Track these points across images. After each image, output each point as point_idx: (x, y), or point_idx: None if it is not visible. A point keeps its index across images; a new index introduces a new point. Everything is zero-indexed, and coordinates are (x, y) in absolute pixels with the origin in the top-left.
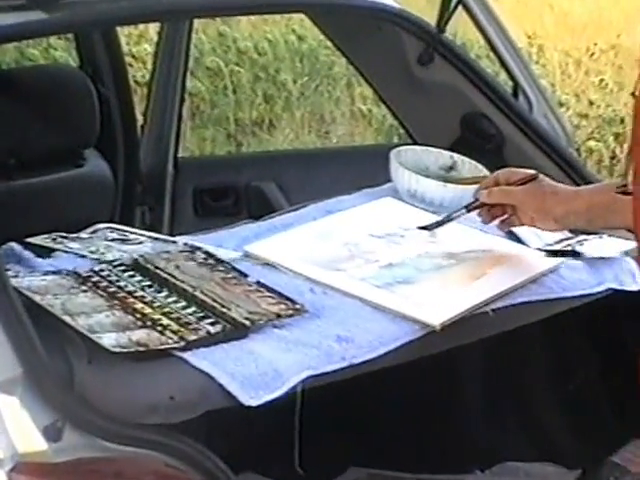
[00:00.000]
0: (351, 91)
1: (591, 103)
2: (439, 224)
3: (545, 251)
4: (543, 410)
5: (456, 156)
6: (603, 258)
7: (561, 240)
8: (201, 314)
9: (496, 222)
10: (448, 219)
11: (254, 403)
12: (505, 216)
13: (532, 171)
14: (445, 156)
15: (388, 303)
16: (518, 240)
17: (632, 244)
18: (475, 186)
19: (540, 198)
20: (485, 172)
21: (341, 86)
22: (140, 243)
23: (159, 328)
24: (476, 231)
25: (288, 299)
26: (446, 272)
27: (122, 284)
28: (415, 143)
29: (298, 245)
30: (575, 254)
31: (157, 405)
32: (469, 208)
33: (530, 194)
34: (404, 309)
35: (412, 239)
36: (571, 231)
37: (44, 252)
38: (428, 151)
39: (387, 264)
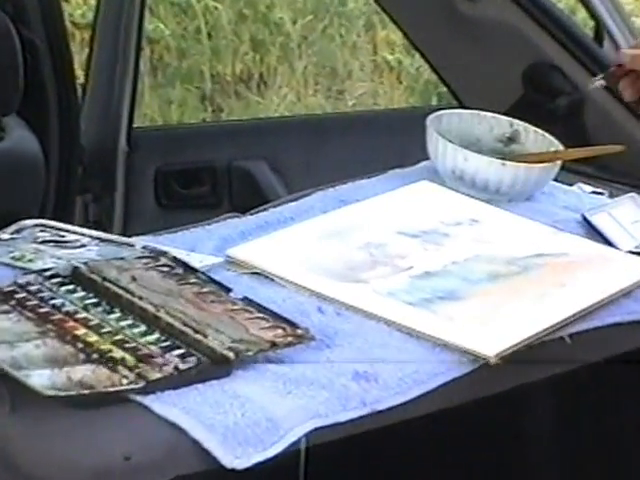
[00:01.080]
0: (372, 35)
1: None
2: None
3: None
4: None
5: (518, 123)
6: None
7: None
8: (167, 343)
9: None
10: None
11: (241, 465)
12: None
13: None
14: (503, 123)
15: (425, 327)
16: (604, 239)
17: None
18: (544, 165)
19: None
20: (557, 145)
21: (358, 27)
22: (82, 246)
23: (110, 363)
24: (545, 227)
25: (287, 322)
26: (505, 284)
27: (58, 302)
28: (462, 106)
29: (300, 248)
30: None
31: (108, 469)
32: (607, 75)
33: None
34: (447, 335)
35: (458, 238)
36: None
37: None
38: (479, 117)
39: (423, 273)
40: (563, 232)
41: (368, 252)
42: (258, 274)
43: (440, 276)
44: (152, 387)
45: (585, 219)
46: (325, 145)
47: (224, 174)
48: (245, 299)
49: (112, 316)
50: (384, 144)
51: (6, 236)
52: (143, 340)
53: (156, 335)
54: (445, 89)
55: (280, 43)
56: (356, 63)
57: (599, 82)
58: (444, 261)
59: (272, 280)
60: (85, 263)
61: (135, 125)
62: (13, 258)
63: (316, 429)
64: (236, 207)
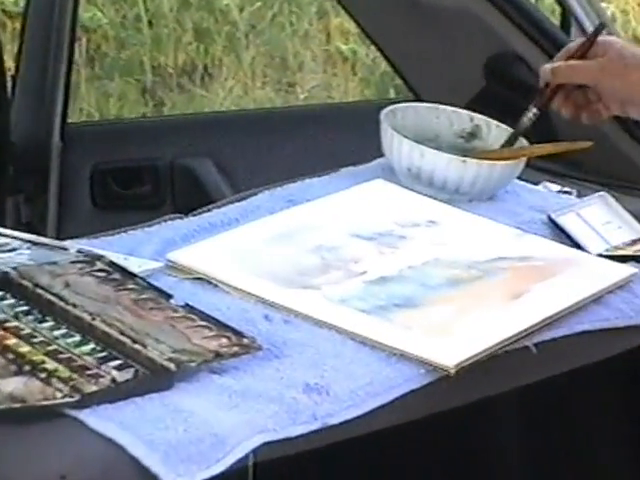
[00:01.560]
0: (325, 23)
1: None
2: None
3: (611, 257)
4: None
5: (479, 118)
6: None
7: (635, 241)
8: (104, 354)
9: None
10: (512, 138)
11: None
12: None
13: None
14: (463, 118)
15: (380, 336)
16: (572, 241)
17: None
18: (507, 163)
19: (621, 69)
20: (521, 141)
21: (310, 15)
22: (13, 250)
23: (42, 375)
24: (509, 229)
25: (232, 330)
26: (466, 289)
27: None
28: (419, 99)
29: (246, 251)
30: None
31: None
32: (539, 96)
33: (607, 69)
34: (404, 345)
35: (415, 241)
36: None
37: None
38: (438, 110)
39: (378, 278)
40: (528, 234)
41: (319, 256)
42: (201, 279)
43: (396, 281)
44: (87, 401)
45: (551, 220)
46: (274, 142)
47: (166, 173)
48: (187, 306)
49: (45, 325)
50: (338, 140)
51: None
52: (78, 351)
53: (92, 345)
54: (402, 81)
55: (226, 32)
56: (308, 53)
57: (532, 112)
58: (400, 265)
59: (216, 286)
60: (15, 268)
61: (70, 120)
62: None
63: (264, 444)
64: (179, 208)
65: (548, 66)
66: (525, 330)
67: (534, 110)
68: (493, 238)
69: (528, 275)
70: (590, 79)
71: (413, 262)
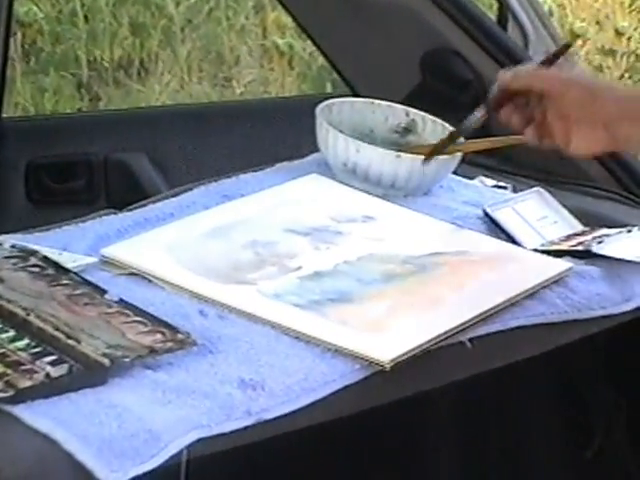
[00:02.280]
0: (262, 17)
1: (619, 33)
2: (438, 149)
3: (547, 252)
4: None
5: (415, 112)
6: (632, 262)
7: (570, 236)
8: (38, 349)
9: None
10: (454, 136)
11: (117, 479)
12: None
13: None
14: (398, 113)
15: (315, 331)
16: (507, 236)
17: None
18: (443, 158)
19: (588, 89)
20: None
21: (247, 9)
22: None
23: None
24: (444, 224)
25: (167, 326)
26: (401, 285)
27: None
28: (356, 95)
29: (180, 246)
30: (591, 256)
31: None
32: (489, 101)
33: (574, 82)
34: (339, 340)
35: (350, 236)
36: (586, 223)
37: None
38: (373, 105)
39: (313, 273)
40: (463, 229)
41: (254, 251)
42: (135, 275)
43: (331, 276)
44: (22, 396)
45: (487, 215)
46: (210, 136)
47: (100, 167)
48: (121, 301)
49: None
50: (274, 135)
51: None
52: (12, 346)
53: (26, 341)
54: (338, 76)
55: (162, 26)
56: (244, 48)
57: (479, 113)
58: (335, 260)
59: (150, 281)
60: None
61: (4, 115)
62: None
63: (198, 440)
64: (113, 203)
65: (508, 72)
66: (460, 325)
67: (481, 113)
68: (429, 233)
69: (463, 270)
70: (554, 89)
71: (348, 257)
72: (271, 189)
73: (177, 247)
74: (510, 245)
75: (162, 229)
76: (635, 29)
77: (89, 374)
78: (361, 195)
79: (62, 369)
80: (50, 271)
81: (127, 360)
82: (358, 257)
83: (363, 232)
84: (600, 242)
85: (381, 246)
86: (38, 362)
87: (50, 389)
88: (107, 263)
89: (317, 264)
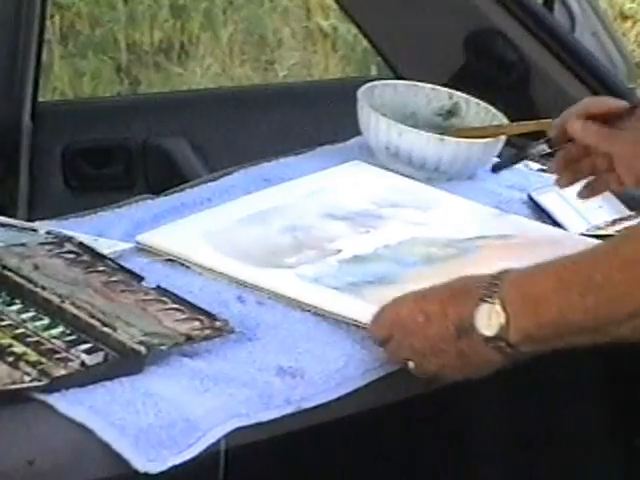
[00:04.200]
0: None
1: None
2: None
3: (592, 237)
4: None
5: (458, 95)
6: None
7: (616, 221)
8: (73, 337)
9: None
10: (520, 157)
11: (154, 469)
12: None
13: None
14: (442, 95)
15: (352, 312)
16: (552, 221)
17: None
18: (487, 141)
19: None
20: (501, 118)
21: None
22: None
23: (10, 359)
24: (488, 208)
25: (205, 313)
26: (443, 267)
27: None
28: (398, 77)
29: (217, 232)
30: None
31: (9, 474)
32: (553, 140)
33: None
34: None
35: (392, 221)
36: (632, 207)
37: None
38: (416, 88)
39: (352, 256)
40: (508, 213)
41: (292, 235)
42: (173, 261)
43: (371, 260)
44: (56, 384)
45: (532, 199)
46: (251, 120)
47: (139, 153)
48: (158, 288)
49: (12, 308)
50: (316, 119)
51: None
52: (46, 334)
53: (61, 328)
54: (381, 59)
55: (203, 8)
56: (287, 30)
57: (541, 148)
58: (376, 244)
59: (188, 268)
60: None
61: (41, 99)
62: None
63: (236, 429)
64: (152, 189)
65: (577, 122)
66: None
67: (544, 147)
68: (473, 218)
69: (507, 252)
70: (621, 149)
71: (389, 241)
72: (311, 175)
73: (213, 233)
74: (556, 229)
75: (198, 215)
76: None
77: (125, 362)
78: (404, 180)
79: (97, 357)
80: (86, 257)
81: (164, 348)
82: (399, 241)
83: (405, 216)
84: None
85: (423, 230)
86: (73, 350)
87: (85, 378)
88: (142, 250)
89: (357, 248)
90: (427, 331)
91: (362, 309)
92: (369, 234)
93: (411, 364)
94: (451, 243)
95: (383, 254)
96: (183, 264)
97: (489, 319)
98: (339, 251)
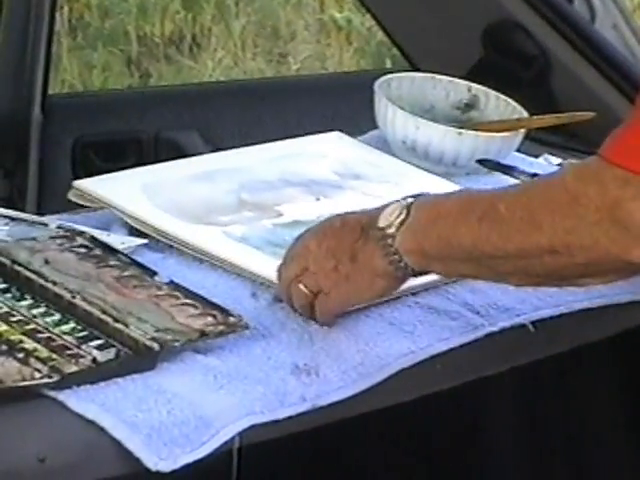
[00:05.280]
0: None
1: None
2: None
3: None
4: None
5: (477, 88)
6: None
7: None
8: (84, 333)
9: None
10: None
11: (166, 468)
12: None
13: None
14: (460, 88)
15: (261, 269)
16: None
17: None
18: (506, 135)
19: None
20: (520, 111)
21: None
22: None
23: (20, 355)
24: (447, 182)
25: (219, 309)
26: None
27: None
28: (415, 69)
29: (158, 186)
30: None
31: (20, 472)
32: None
33: None
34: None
35: (349, 191)
36: None
37: None
38: (434, 81)
39: (291, 221)
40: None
41: (237, 196)
42: (186, 255)
43: (308, 225)
44: (67, 381)
45: None
46: (264, 114)
47: (150, 146)
48: (171, 283)
49: (23, 303)
50: (331, 112)
51: None
52: (57, 330)
53: (72, 324)
54: (397, 51)
55: (215, 0)
56: (301, 22)
57: None
58: (321, 212)
59: (201, 262)
60: None
61: (51, 92)
62: None
63: (251, 427)
64: None
65: None
66: None
67: None
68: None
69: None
70: None
71: (337, 210)
72: (282, 141)
73: (154, 187)
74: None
75: (142, 169)
76: None
77: (137, 359)
78: (381, 156)
79: (109, 354)
80: (98, 252)
81: (177, 344)
82: (347, 211)
83: (366, 189)
84: None
85: (377, 202)
86: (84, 346)
87: (97, 374)
88: (78, 195)
89: (300, 213)
90: (338, 233)
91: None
92: (319, 202)
93: (301, 285)
94: None
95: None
96: (197, 259)
97: (390, 215)
98: (280, 215)
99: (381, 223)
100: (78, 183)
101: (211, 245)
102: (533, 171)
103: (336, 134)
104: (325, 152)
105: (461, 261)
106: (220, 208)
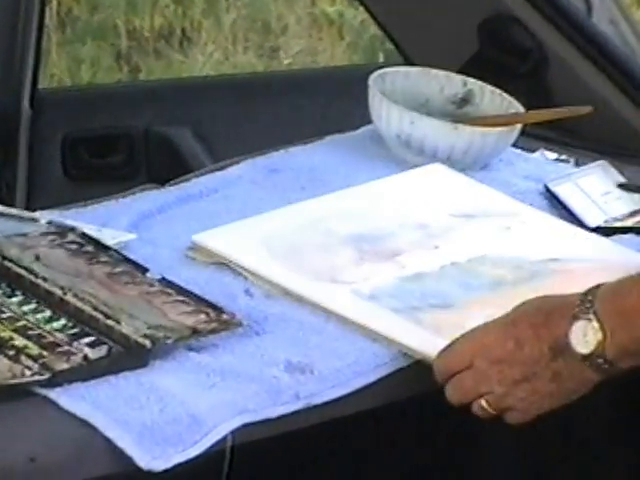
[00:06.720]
0: None
1: None
2: None
3: (610, 229)
4: None
5: (472, 82)
6: None
7: (634, 213)
8: (75, 330)
9: None
10: None
11: (159, 467)
12: None
13: None
14: (455, 82)
15: (409, 339)
16: (568, 212)
17: None
18: (502, 129)
19: None
20: (516, 106)
21: None
22: None
23: (10, 352)
24: (568, 225)
25: (211, 306)
26: (509, 292)
27: None
28: (409, 63)
29: (276, 237)
30: None
31: (11, 471)
32: None
33: None
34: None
35: (464, 234)
36: None
37: None
38: (429, 75)
39: (414, 274)
40: (589, 233)
41: (355, 246)
42: (177, 252)
43: (433, 279)
44: (58, 379)
45: (548, 190)
46: (256, 109)
47: (141, 141)
48: (163, 280)
49: (13, 300)
50: (323, 107)
51: None
52: (48, 327)
53: (63, 321)
54: (391, 45)
55: None
56: (292, 16)
57: None
58: (443, 261)
59: (193, 259)
60: None
61: (40, 86)
62: None
63: (244, 426)
64: (154, 179)
65: None
66: None
67: None
68: (551, 235)
69: (579, 280)
70: None
71: (458, 258)
72: (385, 178)
73: (272, 238)
74: (633, 254)
75: (258, 218)
76: None
77: (129, 356)
78: (483, 189)
79: (101, 351)
80: (89, 248)
81: (169, 341)
82: (468, 259)
83: (479, 230)
84: None
85: (496, 247)
86: (75, 343)
87: (88, 372)
88: (197, 250)
89: (422, 264)
90: (518, 356)
91: (419, 337)
92: (437, 249)
93: (483, 402)
94: (523, 264)
95: (448, 273)
96: (188, 255)
97: (585, 336)
98: (402, 267)
99: (580, 348)
100: (197, 237)
101: (345, 308)
102: None
103: (437, 166)
104: (430, 189)
105: None
106: (340, 260)
